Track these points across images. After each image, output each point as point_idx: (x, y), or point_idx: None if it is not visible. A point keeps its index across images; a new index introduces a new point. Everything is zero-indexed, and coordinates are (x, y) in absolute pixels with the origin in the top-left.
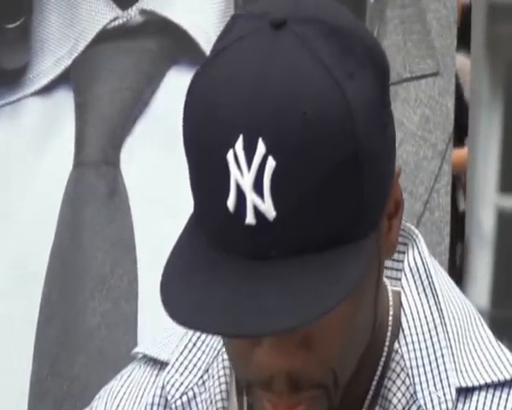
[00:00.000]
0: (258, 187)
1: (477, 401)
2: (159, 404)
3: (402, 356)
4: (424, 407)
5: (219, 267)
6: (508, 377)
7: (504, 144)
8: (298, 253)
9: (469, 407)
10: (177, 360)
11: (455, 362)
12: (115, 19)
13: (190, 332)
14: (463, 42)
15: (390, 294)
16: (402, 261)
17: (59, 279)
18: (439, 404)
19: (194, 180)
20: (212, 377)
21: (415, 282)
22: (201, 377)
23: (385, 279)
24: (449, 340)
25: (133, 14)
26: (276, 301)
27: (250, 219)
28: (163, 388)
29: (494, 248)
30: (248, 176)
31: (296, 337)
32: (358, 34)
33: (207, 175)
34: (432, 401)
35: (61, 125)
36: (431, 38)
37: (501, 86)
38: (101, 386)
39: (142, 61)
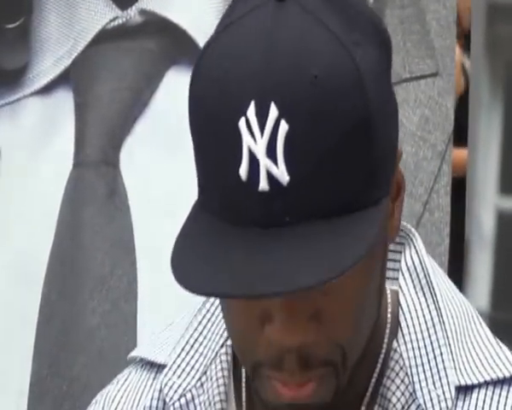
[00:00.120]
0: (271, 152)
1: (477, 399)
2: (157, 407)
3: (401, 355)
4: (424, 405)
5: (232, 237)
6: (507, 374)
7: (504, 145)
8: (312, 218)
9: (469, 404)
10: (174, 362)
11: (454, 360)
12: (115, 19)
13: (187, 334)
14: None
15: (388, 293)
16: (399, 261)
17: (58, 279)
18: (439, 403)
19: (203, 155)
20: (211, 378)
21: (412, 281)
22: (199, 379)
23: None
24: (447, 338)
25: (133, 14)
26: (296, 260)
27: (263, 185)
28: (161, 391)
29: (494, 249)
30: (261, 141)
31: (307, 312)
32: (362, 9)
33: (218, 146)
34: (431, 399)
35: (61, 125)
36: (430, 38)
37: (501, 87)
38: (101, 386)
39: (141, 61)
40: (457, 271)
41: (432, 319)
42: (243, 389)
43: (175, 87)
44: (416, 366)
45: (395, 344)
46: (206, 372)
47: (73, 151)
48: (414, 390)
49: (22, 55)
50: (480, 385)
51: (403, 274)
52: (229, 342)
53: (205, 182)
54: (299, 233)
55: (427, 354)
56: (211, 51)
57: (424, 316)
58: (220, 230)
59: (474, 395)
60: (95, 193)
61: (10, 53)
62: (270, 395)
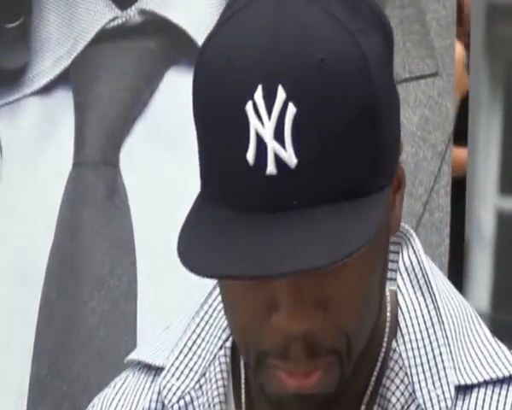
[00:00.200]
0: (279, 135)
1: (476, 399)
2: (155, 409)
3: (400, 355)
4: (423, 405)
5: (239, 223)
6: (506, 373)
7: (504, 145)
8: (319, 201)
9: (469, 404)
10: (172, 364)
11: (453, 360)
12: (114, 19)
13: (185, 337)
14: None
15: (387, 293)
16: (397, 261)
17: (58, 279)
18: (439, 402)
19: (208, 144)
20: (210, 380)
21: (411, 281)
22: (198, 381)
23: None
24: (447, 338)
25: (132, 14)
26: (307, 241)
27: (271, 168)
28: (159, 393)
29: (494, 249)
30: (269, 124)
31: (314, 299)
32: None
33: (224, 132)
34: (431, 399)
35: (61, 125)
36: (430, 38)
37: (501, 87)
38: (101, 386)
39: (141, 61)
40: (457, 271)
41: (431, 318)
42: (242, 391)
43: (175, 87)
44: (416, 365)
45: (394, 344)
46: (204, 374)
47: (73, 151)
48: (413, 390)
49: (22, 55)
50: (479, 385)
51: (401, 274)
52: (227, 344)
53: (209, 172)
54: (307, 216)
55: (426, 354)
56: (214, 42)
57: (423, 316)
58: (226, 217)
59: (474, 394)
60: (94, 193)
61: (10, 53)
62: (274, 385)
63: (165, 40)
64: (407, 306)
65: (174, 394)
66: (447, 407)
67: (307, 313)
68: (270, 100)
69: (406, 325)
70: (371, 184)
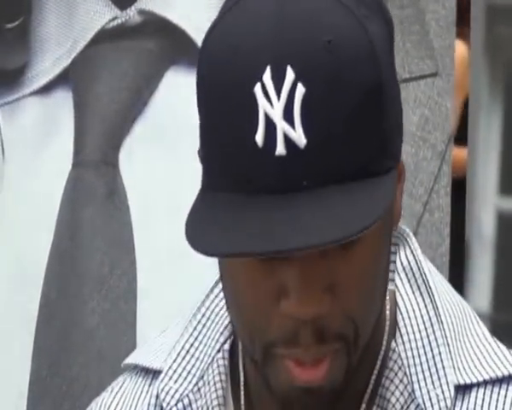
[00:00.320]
0: (288, 115)
1: (475, 398)
2: None
3: (399, 355)
4: (423, 405)
5: (248, 205)
6: (505, 373)
7: (504, 146)
8: (328, 182)
9: (468, 403)
10: (170, 367)
11: (452, 360)
12: (114, 19)
13: (183, 340)
14: None
15: (386, 293)
16: (394, 262)
17: (58, 279)
18: (438, 402)
19: (214, 130)
20: (208, 383)
21: (409, 280)
22: (196, 383)
23: None
24: (446, 338)
25: (132, 14)
26: (316, 219)
27: (280, 149)
28: (157, 397)
29: (495, 250)
30: (278, 104)
31: (322, 283)
32: None
33: (232, 116)
34: (430, 399)
35: (60, 125)
36: (430, 38)
37: (500, 87)
38: (101, 386)
39: (140, 62)
40: (458, 272)
41: (430, 318)
42: (241, 393)
43: (174, 87)
44: (415, 365)
45: (393, 344)
46: (203, 377)
47: (73, 151)
48: (413, 390)
49: (21, 55)
50: (478, 384)
51: (399, 274)
52: (225, 347)
53: (216, 159)
54: (317, 195)
55: (425, 354)
56: (217, 30)
57: (422, 316)
58: (234, 201)
59: (473, 394)
60: (94, 193)
61: (9, 53)
62: (282, 379)
63: (164, 40)
64: (405, 306)
65: (172, 397)
66: (447, 406)
67: (316, 298)
68: (279, 81)
69: (405, 325)
70: (379, 165)
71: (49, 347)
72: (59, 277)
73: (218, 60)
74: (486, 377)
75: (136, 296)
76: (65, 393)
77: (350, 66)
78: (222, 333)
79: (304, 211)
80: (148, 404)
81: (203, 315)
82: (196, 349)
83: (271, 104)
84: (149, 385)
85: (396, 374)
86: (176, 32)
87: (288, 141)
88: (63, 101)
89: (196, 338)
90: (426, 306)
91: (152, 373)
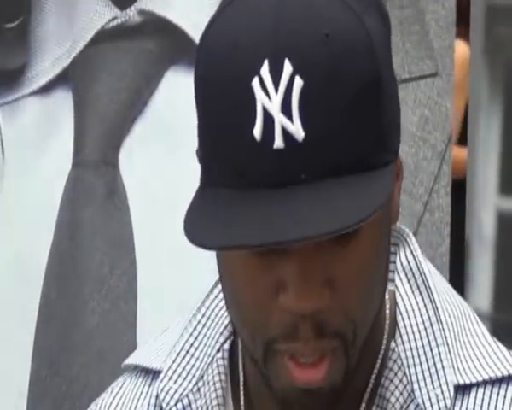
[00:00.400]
0: (286, 108)
1: (475, 398)
2: None
3: (399, 355)
4: (422, 405)
5: (247, 199)
6: (505, 373)
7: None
8: (326, 175)
9: (467, 403)
10: (170, 367)
11: (452, 360)
12: (114, 19)
13: (182, 340)
14: None
15: (386, 293)
16: (394, 262)
17: (58, 279)
18: (438, 402)
19: (212, 125)
20: (208, 383)
21: (408, 281)
22: (196, 383)
23: None
24: (445, 337)
25: (132, 14)
26: (315, 211)
27: (278, 142)
28: (157, 397)
29: (495, 249)
30: (276, 97)
31: (321, 278)
32: None
33: (230, 110)
34: (430, 399)
35: (60, 125)
36: (429, 38)
37: (500, 88)
38: (101, 386)
39: (140, 62)
40: (458, 272)
41: (429, 318)
42: (241, 393)
43: (174, 87)
44: (414, 365)
45: (393, 344)
46: (202, 377)
47: (72, 151)
48: (412, 390)
49: (21, 55)
50: (478, 384)
51: (398, 274)
52: (225, 347)
53: (214, 155)
54: (316, 188)
55: (425, 354)
56: (216, 25)
57: (421, 316)
58: (232, 195)
59: (473, 394)
60: (94, 193)
61: (9, 53)
62: (282, 379)
63: (164, 40)
64: (405, 306)
65: (172, 397)
66: (446, 406)
67: (315, 292)
68: (276, 74)
69: (405, 325)
70: (377, 158)
71: (49, 347)
72: (59, 277)
73: (216, 55)
74: (486, 377)
75: (136, 296)
76: (65, 393)
77: (348, 59)
78: (222, 333)
79: (301, 204)
80: (148, 404)
81: (203, 315)
82: (196, 349)
83: (269, 98)
84: (149, 385)
85: (395, 374)
86: (176, 32)
87: (286, 134)
88: (63, 101)
89: (196, 338)
90: (425, 306)
91: (152, 373)
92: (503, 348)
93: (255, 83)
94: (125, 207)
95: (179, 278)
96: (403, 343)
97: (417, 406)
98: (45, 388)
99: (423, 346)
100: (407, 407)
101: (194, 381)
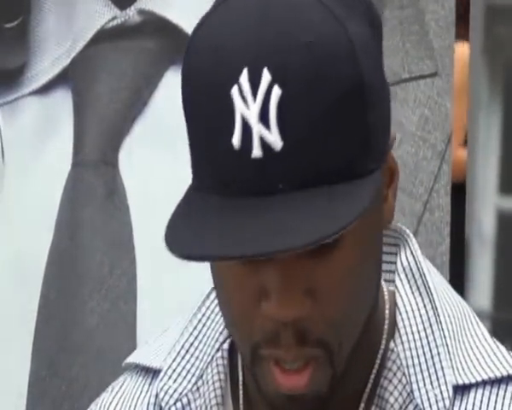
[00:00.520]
0: (264, 117)
1: (474, 399)
2: None
3: (398, 355)
4: (421, 405)
5: (225, 209)
6: (504, 373)
7: (504, 145)
8: (305, 185)
9: (467, 403)
10: (169, 367)
11: (451, 360)
12: (113, 18)
13: (183, 339)
14: None
15: (385, 293)
16: (395, 263)
17: (57, 279)
18: (436, 402)
19: (196, 129)
20: (207, 382)
21: (408, 281)
22: (195, 383)
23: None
24: (444, 338)
25: (131, 13)
26: (290, 222)
27: (257, 151)
28: (157, 396)
29: (495, 249)
30: (254, 106)
31: (303, 286)
32: None
33: (211, 116)
34: (429, 399)
35: (60, 125)
36: (429, 38)
37: (500, 87)
38: (100, 386)
39: (140, 61)
40: (458, 271)
41: (429, 318)
42: (240, 392)
43: (174, 87)
44: (414, 365)
45: (392, 344)
46: (202, 376)
47: (72, 151)
48: (411, 390)
49: (20, 55)
50: (477, 384)
51: (399, 275)
52: (225, 346)
53: (198, 160)
54: (293, 199)
55: (424, 354)
56: (202, 30)
57: (421, 316)
58: (213, 204)
59: (472, 394)
60: (94, 193)
61: (9, 53)
62: (268, 384)
63: (164, 40)
64: (405, 306)
65: (171, 396)
66: (445, 406)
67: (296, 300)
68: (255, 83)
69: (404, 326)
70: (359, 166)
71: (48, 347)
72: (58, 277)
73: (199, 59)
74: (485, 378)
75: (136, 296)
76: (64, 393)
77: (328, 67)
78: (222, 332)
79: (279, 216)
80: (148, 403)
81: (203, 314)
82: (196, 349)
83: (247, 106)
84: (149, 385)
85: (395, 374)
86: (175, 32)
87: (264, 144)
88: (62, 101)
89: (196, 337)
90: (425, 306)
91: (152, 373)
92: (502, 348)
93: (234, 91)
94: (125, 207)
95: (179, 278)
96: (402, 343)
97: (416, 406)
98: (45, 388)
99: (422, 346)
100: (406, 407)
101: (193, 380)
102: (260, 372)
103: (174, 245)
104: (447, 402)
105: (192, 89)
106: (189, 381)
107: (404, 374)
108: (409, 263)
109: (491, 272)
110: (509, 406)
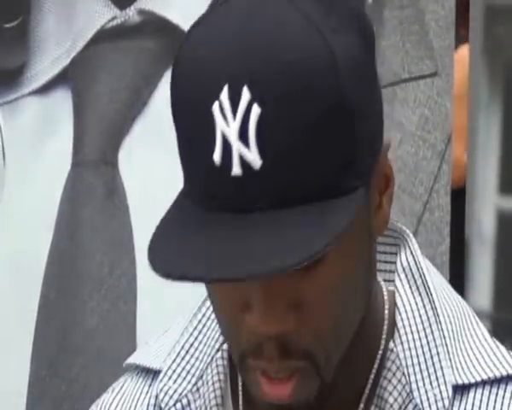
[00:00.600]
0: (243, 135)
1: (473, 399)
2: None
3: (397, 355)
4: (421, 405)
5: (206, 224)
6: (504, 373)
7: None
8: (284, 204)
9: (466, 403)
10: (169, 367)
11: (450, 360)
12: (113, 18)
13: (183, 340)
14: None
15: (385, 293)
16: (395, 263)
17: (57, 279)
18: (436, 402)
19: (182, 141)
20: (207, 383)
21: (408, 281)
22: (195, 383)
23: (380, 279)
24: (444, 338)
25: (131, 13)
26: (265, 245)
27: (236, 169)
28: (157, 397)
29: (495, 249)
30: (234, 124)
31: (286, 300)
32: None
33: (194, 131)
34: (428, 399)
35: (59, 125)
36: (429, 38)
37: (500, 87)
38: (100, 387)
39: (140, 61)
40: (458, 270)
41: (428, 318)
42: (240, 393)
43: None
44: (413, 365)
45: (391, 344)
46: (202, 377)
47: (72, 151)
48: (411, 390)
49: (20, 55)
50: (476, 384)
51: (398, 275)
52: (225, 347)
53: (185, 169)
54: (271, 219)
55: (423, 354)
56: (189, 40)
57: (420, 316)
58: (196, 216)
59: (471, 394)
60: (93, 193)
61: (8, 52)
62: (256, 392)
63: (164, 40)
64: (404, 306)
65: (171, 397)
66: (444, 406)
67: (279, 315)
68: (235, 100)
69: (403, 326)
70: (340, 185)
71: (48, 347)
72: (58, 277)
73: (183, 73)
74: (485, 377)
75: (136, 296)
76: (64, 393)
77: (308, 85)
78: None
79: (252, 238)
80: (148, 405)
81: (203, 315)
82: (196, 349)
83: (227, 124)
84: (149, 386)
85: (394, 374)
86: (175, 32)
87: (244, 162)
88: (62, 100)
89: (196, 338)
90: (424, 306)
91: (152, 373)
92: (502, 348)
93: (215, 107)
94: (125, 207)
95: None
96: (401, 343)
97: (416, 406)
98: (44, 388)
99: (422, 346)
100: (405, 407)
101: (193, 381)
102: (248, 380)
103: (155, 263)
104: (446, 402)
105: (178, 100)
106: (189, 382)
107: (403, 374)
108: (408, 263)
109: (491, 272)
110: (509, 406)
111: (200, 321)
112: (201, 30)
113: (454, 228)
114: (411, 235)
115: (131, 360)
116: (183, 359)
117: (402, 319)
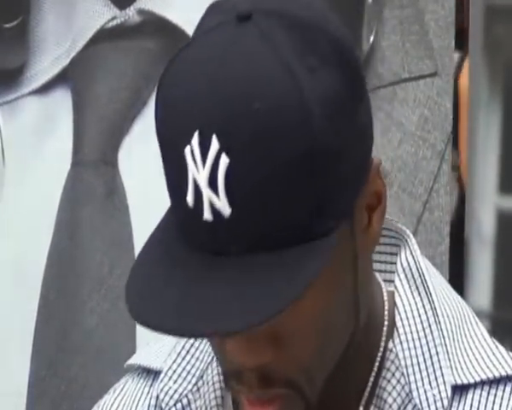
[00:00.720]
0: (213, 183)
1: (472, 399)
2: None
3: (396, 355)
4: (420, 405)
5: (181, 264)
6: (503, 373)
7: (504, 145)
8: (256, 249)
9: (465, 404)
10: (170, 367)
11: (450, 360)
12: (113, 18)
13: (183, 340)
14: None
15: (385, 294)
16: (395, 263)
17: (57, 279)
18: (435, 402)
19: (165, 171)
20: (207, 383)
21: (408, 281)
22: (196, 383)
23: (380, 280)
24: (443, 338)
25: (131, 13)
26: (228, 303)
27: (207, 215)
28: (157, 398)
29: (494, 249)
30: (203, 172)
31: (265, 332)
32: (324, 27)
33: (170, 170)
34: (427, 399)
35: (59, 125)
36: (429, 38)
37: (500, 87)
38: (100, 387)
39: (140, 61)
40: (458, 270)
41: (427, 318)
42: None
43: None
44: (412, 365)
45: (391, 345)
46: (202, 377)
47: (72, 150)
48: (410, 390)
49: (20, 55)
50: (475, 384)
51: (398, 275)
52: None
53: (169, 197)
54: (244, 264)
55: (422, 354)
56: (169, 72)
57: (420, 316)
58: (174, 253)
59: (470, 394)
60: (93, 192)
61: (8, 52)
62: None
63: (163, 40)
64: (404, 306)
65: (171, 397)
66: (443, 406)
67: (257, 348)
68: (204, 148)
69: (403, 326)
70: (313, 229)
71: (48, 347)
72: (58, 277)
73: (161, 110)
74: (484, 378)
75: None
76: (64, 393)
77: (276, 134)
78: None
79: (220, 291)
80: (149, 405)
81: None
82: (197, 349)
83: (198, 170)
84: (150, 386)
85: (393, 374)
86: (175, 32)
87: (214, 208)
88: (62, 100)
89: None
90: (424, 306)
91: (153, 374)
92: (501, 348)
93: (187, 151)
94: (125, 207)
95: None
96: (401, 344)
97: (415, 406)
98: (44, 388)
99: (421, 346)
100: (405, 407)
101: (193, 381)
102: (233, 396)
103: (130, 306)
104: (445, 402)
105: (158, 132)
106: (190, 382)
107: (402, 374)
108: (408, 264)
109: (491, 272)
110: (507, 406)
111: None
112: (177, 67)
113: (454, 228)
114: (411, 235)
115: (132, 360)
116: (183, 359)
117: (401, 319)
